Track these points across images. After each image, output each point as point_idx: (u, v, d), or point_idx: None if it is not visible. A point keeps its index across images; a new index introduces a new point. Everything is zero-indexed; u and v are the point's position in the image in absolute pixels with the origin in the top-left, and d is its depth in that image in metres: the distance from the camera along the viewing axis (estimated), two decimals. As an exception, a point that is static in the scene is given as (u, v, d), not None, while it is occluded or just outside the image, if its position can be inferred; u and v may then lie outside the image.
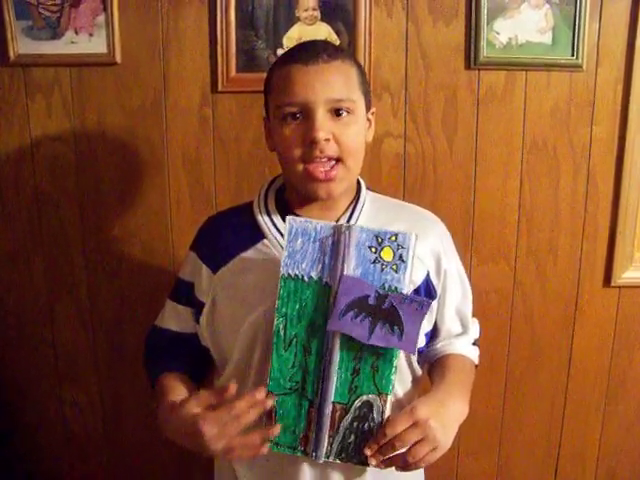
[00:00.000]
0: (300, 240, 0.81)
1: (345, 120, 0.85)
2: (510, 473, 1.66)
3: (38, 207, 1.47)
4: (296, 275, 0.81)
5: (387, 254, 0.81)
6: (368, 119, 0.93)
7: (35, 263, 1.51)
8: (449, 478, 1.65)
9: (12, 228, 1.49)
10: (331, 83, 0.83)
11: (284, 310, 0.82)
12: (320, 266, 0.81)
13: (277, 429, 0.82)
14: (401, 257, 0.80)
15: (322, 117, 0.83)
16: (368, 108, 0.92)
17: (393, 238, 0.80)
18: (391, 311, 0.79)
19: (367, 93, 0.91)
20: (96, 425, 1.62)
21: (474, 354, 1.04)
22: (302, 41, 0.92)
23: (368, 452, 0.80)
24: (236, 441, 0.78)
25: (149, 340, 1.08)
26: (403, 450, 0.79)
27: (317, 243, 0.81)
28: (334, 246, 0.81)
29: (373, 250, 0.81)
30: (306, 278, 0.81)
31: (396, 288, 0.80)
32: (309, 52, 0.85)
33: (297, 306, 0.82)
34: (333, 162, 0.86)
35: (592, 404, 1.62)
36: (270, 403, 0.81)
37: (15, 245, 1.50)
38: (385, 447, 0.80)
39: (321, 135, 0.82)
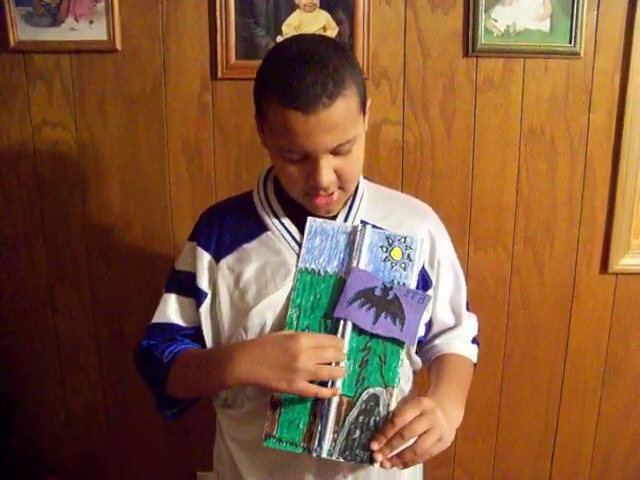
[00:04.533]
0: (319, 238, 0.89)
1: (348, 154, 0.82)
2: (507, 457, 1.68)
3: (39, 193, 1.48)
4: (313, 269, 0.88)
5: (397, 254, 0.89)
6: (365, 112, 0.88)
7: (36, 249, 1.52)
8: (447, 462, 1.67)
9: (13, 214, 1.50)
10: (333, 130, 0.78)
11: (298, 301, 0.86)
12: (336, 262, 0.88)
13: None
14: (409, 257, 0.89)
15: (325, 162, 0.81)
16: (365, 105, 0.86)
17: (403, 240, 0.89)
18: (395, 303, 0.85)
19: (364, 95, 0.84)
20: (97, 411, 1.64)
21: (473, 352, 1.03)
22: (299, 71, 0.76)
23: (375, 446, 0.79)
24: (325, 370, 0.78)
25: (148, 339, 0.98)
26: (410, 443, 0.78)
27: (334, 241, 0.89)
28: (349, 245, 0.89)
29: (384, 250, 0.89)
30: (322, 272, 0.87)
31: (404, 284, 0.87)
32: (308, 97, 0.75)
33: (311, 298, 0.86)
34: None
35: (589, 389, 1.63)
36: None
37: (16, 231, 1.51)
38: (394, 439, 0.78)
39: (326, 181, 0.82)
